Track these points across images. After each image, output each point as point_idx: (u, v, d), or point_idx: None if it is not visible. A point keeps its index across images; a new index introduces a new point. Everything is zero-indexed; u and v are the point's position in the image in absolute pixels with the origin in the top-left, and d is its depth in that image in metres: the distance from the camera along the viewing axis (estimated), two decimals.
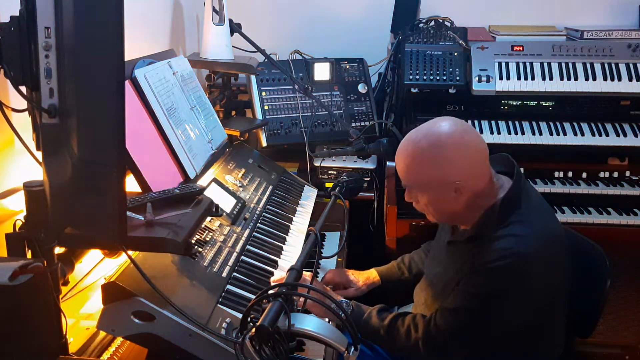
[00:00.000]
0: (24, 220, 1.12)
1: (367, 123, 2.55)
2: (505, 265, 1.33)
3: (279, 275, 1.58)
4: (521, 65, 2.35)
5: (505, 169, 1.51)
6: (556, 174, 2.35)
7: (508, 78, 2.32)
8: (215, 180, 1.78)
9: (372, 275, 1.83)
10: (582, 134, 2.31)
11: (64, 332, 1.19)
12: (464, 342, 1.41)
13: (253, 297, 1.24)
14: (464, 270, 1.40)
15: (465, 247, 1.46)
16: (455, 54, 2.39)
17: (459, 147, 1.39)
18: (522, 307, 1.38)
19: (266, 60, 2.41)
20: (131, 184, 1.42)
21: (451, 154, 1.39)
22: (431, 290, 1.59)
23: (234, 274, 1.49)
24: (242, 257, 1.59)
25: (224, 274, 1.46)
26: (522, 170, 2.31)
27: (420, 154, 1.42)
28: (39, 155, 1.09)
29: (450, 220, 1.55)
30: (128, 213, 1.13)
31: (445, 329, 1.39)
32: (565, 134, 2.32)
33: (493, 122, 2.38)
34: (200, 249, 1.46)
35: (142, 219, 1.19)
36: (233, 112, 2.46)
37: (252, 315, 1.06)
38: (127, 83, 1.55)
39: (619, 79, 2.29)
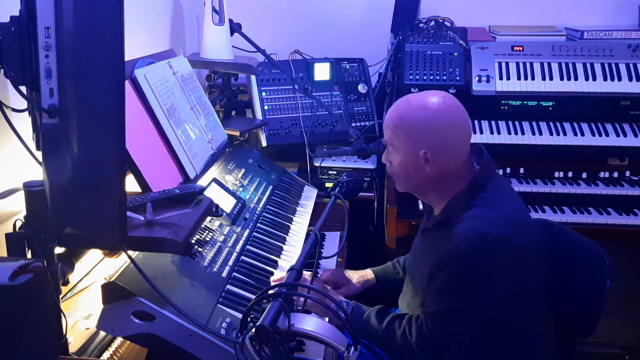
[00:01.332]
0: (24, 220, 1.12)
1: (367, 123, 2.55)
2: (468, 249, 1.33)
3: (279, 275, 1.58)
4: (521, 65, 2.35)
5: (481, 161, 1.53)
6: (556, 174, 2.35)
7: (508, 78, 2.32)
8: (215, 180, 1.78)
9: (367, 273, 1.84)
10: (582, 134, 2.32)
11: (64, 332, 1.19)
12: (455, 341, 1.40)
13: (253, 297, 1.24)
14: (436, 259, 1.40)
15: (435, 233, 1.48)
16: (455, 54, 2.39)
17: (441, 118, 1.43)
18: (496, 291, 1.37)
19: (266, 60, 2.41)
20: (131, 184, 1.42)
21: (432, 121, 1.42)
22: (411, 285, 1.60)
23: (234, 274, 1.49)
24: (242, 257, 1.59)
25: (224, 274, 1.46)
26: (522, 170, 2.37)
27: (403, 115, 1.46)
28: (39, 155, 1.09)
29: (416, 191, 1.56)
30: (128, 213, 1.13)
31: (436, 332, 1.40)
32: (565, 134, 2.32)
33: (493, 122, 2.38)
34: (200, 249, 1.46)
35: (142, 219, 1.19)
36: (233, 112, 2.46)
37: (252, 315, 1.05)
38: (127, 83, 1.55)
39: (619, 79, 2.29)
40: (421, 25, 2.58)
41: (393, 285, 1.80)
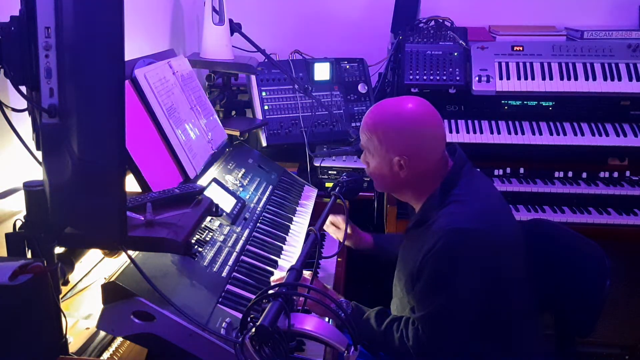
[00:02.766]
0: (24, 220, 1.12)
1: None
2: (444, 245, 1.35)
3: (279, 275, 1.58)
4: (521, 65, 2.36)
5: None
6: (556, 174, 2.36)
7: (508, 78, 2.33)
8: (215, 180, 1.78)
9: (367, 238, 1.91)
10: (582, 134, 2.32)
11: (64, 332, 1.19)
12: (449, 341, 1.41)
13: (253, 297, 1.24)
14: (417, 260, 1.41)
15: (415, 232, 1.51)
16: (456, 54, 2.39)
17: (414, 126, 1.46)
18: (477, 284, 1.38)
19: (266, 60, 2.40)
20: (131, 184, 1.42)
21: (405, 128, 1.46)
22: (399, 287, 1.60)
23: (234, 273, 1.49)
24: (242, 257, 1.59)
25: (224, 274, 1.46)
26: (522, 170, 2.37)
27: (379, 119, 1.50)
28: (39, 155, 1.09)
29: (393, 192, 1.60)
30: (128, 213, 1.13)
31: (430, 335, 1.40)
32: (565, 134, 2.32)
33: (493, 122, 2.38)
34: (200, 249, 1.46)
35: (142, 218, 1.19)
36: (233, 112, 2.46)
37: (252, 315, 1.05)
38: (127, 83, 1.55)
39: (619, 79, 2.29)
40: (421, 25, 2.58)
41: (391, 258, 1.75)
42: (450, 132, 2.35)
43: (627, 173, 2.35)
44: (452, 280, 1.37)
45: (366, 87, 2.61)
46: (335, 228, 1.93)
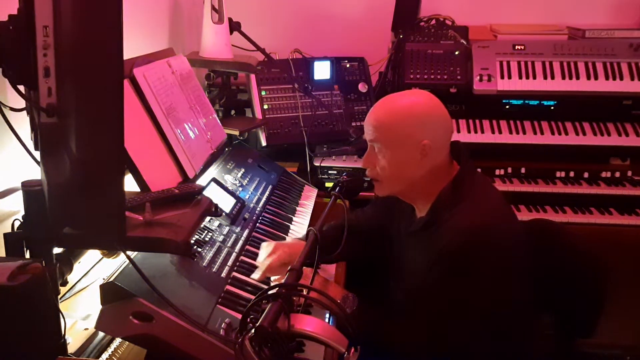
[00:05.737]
0: (22, 220, 1.12)
1: None
2: (463, 243, 1.34)
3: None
4: (522, 64, 2.35)
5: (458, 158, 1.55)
6: (558, 174, 2.35)
7: (509, 77, 2.32)
8: (214, 179, 1.77)
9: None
10: (584, 134, 2.31)
11: (63, 333, 1.18)
12: (454, 337, 1.40)
13: (252, 297, 1.24)
14: (429, 258, 1.41)
15: (424, 234, 1.49)
16: (457, 52, 2.39)
17: (432, 113, 1.46)
18: (492, 280, 1.37)
19: (266, 59, 2.40)
20: (130, 184, 1.41)
21: (425, 115, 1.45)
22: (399, 289, 1.60)
23: (234, 274, 1.48)
24: (242, 257, 1.58)
25: (224, 274, 1.45)
26: (523, 169, 2.36)
27: (396, 109, 1.47)
28: (37, 154, 1.08)
29: (403, 191, 1.54)
30: (127, 213, 1.12)
31: (435, 331, 1.39)
32: (566, 134, 2.32)
33: (494, 122, 2.38)
34: (199, 249, 1.46)
35: (141, 218, 1.18)
36: (232, 111, 2.45)
37: (251, 316, 1.05)
38: (126, 82, 1.54)
39: (621, 79, 2.29)
40: (422, 24, 2.57)
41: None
42: None
43: (629, 173, 2.34)
44: (470, 277, 1.36)
45: (366, 87, 2.61)
46: (280, 267, 1.54)
